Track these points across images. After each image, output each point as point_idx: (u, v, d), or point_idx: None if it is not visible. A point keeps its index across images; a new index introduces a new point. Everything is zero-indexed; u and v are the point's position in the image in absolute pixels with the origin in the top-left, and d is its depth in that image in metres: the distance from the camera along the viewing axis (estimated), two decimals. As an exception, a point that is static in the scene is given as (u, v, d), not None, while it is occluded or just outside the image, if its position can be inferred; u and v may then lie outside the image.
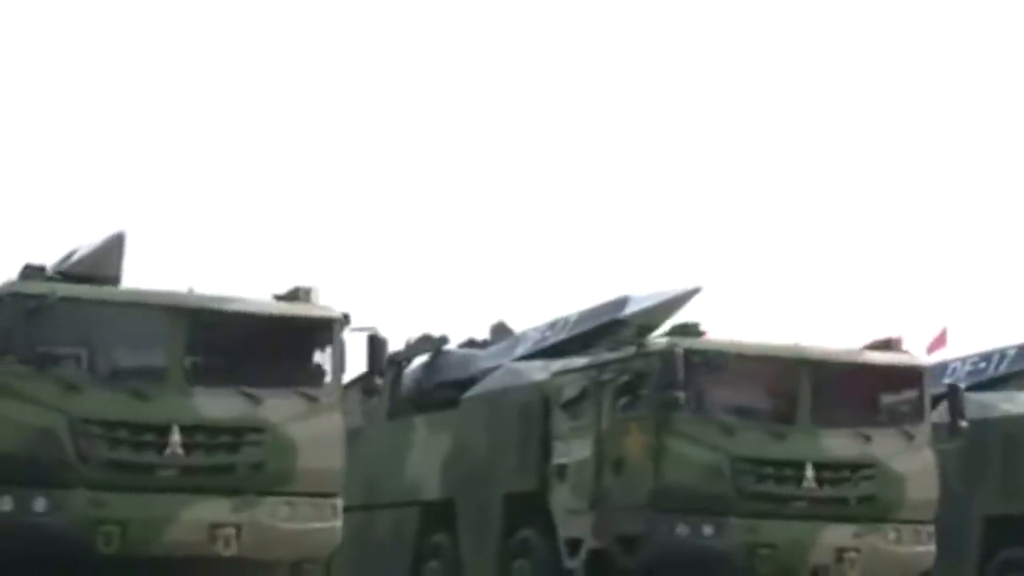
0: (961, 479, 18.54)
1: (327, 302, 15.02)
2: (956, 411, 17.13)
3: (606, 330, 19.43)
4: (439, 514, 19.64)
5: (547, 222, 46.66)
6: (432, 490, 19.84)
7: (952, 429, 17.12)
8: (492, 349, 21.39)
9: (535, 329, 20.57)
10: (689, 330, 16.51)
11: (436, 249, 42.01)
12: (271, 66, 49.17)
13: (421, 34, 47.52)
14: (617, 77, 47.46)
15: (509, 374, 19.10)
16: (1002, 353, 21.96)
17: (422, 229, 43.23)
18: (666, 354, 15.79)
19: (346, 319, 14.96)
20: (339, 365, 15.06)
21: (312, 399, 14.65)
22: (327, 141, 49.52)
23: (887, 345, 17.07)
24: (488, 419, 18.86)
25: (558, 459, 17.45)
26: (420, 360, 22.37)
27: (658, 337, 16.90)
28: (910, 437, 16.81)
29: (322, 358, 15.07)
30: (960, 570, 18.85)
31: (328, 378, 15.02)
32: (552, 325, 20.22)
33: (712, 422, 16.20)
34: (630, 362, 16.79)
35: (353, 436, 20.91)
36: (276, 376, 14.88)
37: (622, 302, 19.08)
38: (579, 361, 17.96)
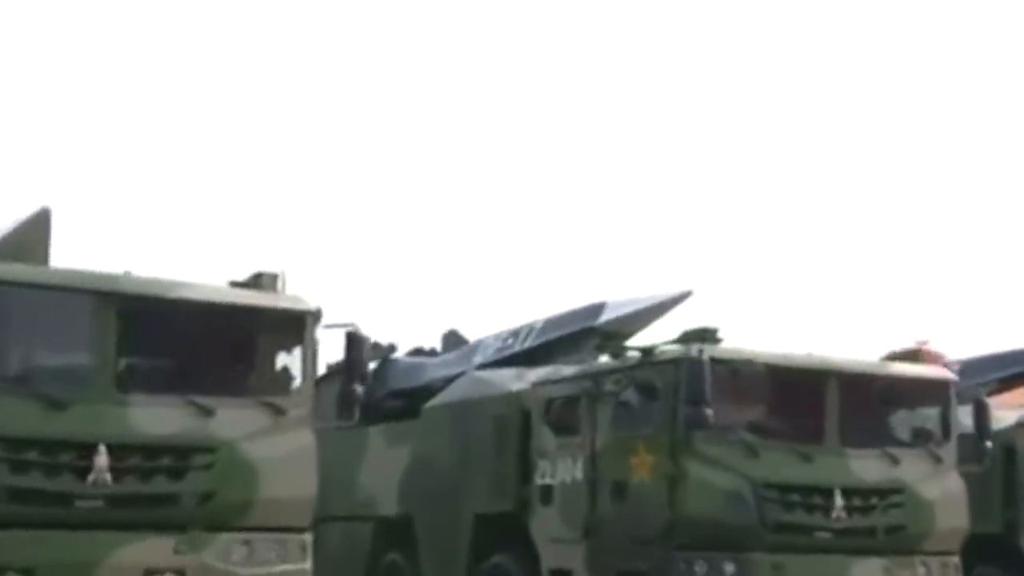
0: None
1: (297, 292, 9.74)
2: (982, 429, 12.24)
3: (578, 338, 14.41)
4: (395, 531, 14.38)
5: (516, 228, 40.91)
6: (388, 505, 14.51)
7: (977, 451, 12.22)
8: (446, 357, 16.25)
9: (495, 337, 15.41)
10: (707, 336, 11.34)
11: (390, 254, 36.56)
12: (233, 48, 42.75)
13: (386, 32, 41.35)
14: (598, 79, 41.97)
15: (477, 383, 13.88)
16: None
17: (374, 234, 37.77)
18: (693, 363, 10.67)
19: (319, 312, 9.71)
20: (311, 369, 9.81)
21: (277, 411, 9.41)
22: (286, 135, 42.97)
23: (913, 356, 12.15)
24: (455, 431, 13.63)
25: (541, 479, 12.32)
26: (368, 368, 17.16)
27: (668, 344, 11.70)
28: (937, 459, 11.89)
29: (290, 360, 9.81)
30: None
31: (297, 384, 9.74)
32: (515, 333, 15.08)
33: (735, 442, 11.10)
34: (634, 372, 11.62)
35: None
36: (233, 382, 9.71)
37: (597, 308, 14.02)
38: (566, 369, 12.77)
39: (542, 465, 12.30)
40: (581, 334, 14.31)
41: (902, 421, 12.06)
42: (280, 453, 9.21)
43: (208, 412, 8.96)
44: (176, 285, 9.14)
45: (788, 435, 11.42)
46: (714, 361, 10.88)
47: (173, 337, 9.29)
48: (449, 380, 15.35)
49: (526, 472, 12.49)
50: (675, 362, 11.05)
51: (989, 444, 12.25)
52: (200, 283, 9.22)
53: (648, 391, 11.32)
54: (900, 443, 11.92)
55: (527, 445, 12.54)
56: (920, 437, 12.04)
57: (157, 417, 8.82)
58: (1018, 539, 14.64)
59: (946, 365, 16.14)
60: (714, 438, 10.90)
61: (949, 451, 12.00)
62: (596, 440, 11.65)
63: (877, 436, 11.77)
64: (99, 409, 8.68)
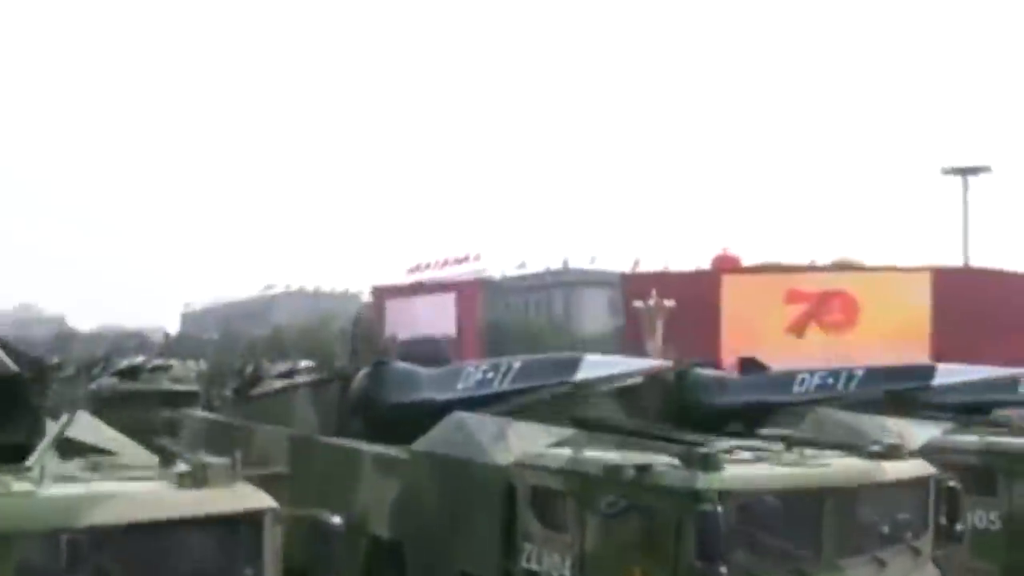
0: None
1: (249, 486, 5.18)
2: (955, 514, 8.14)
3: (551, 388, 10.15)
4: (388, 549, 10.00)
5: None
6: (380, 527, 10.20)
7: (949, 534, 8.12)
8: (433, 374, 11.74)
9: (475, 367, 11.07)
10: (710, 464, 6.95)
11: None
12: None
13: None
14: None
15: (460, 432, 9.47)
16: (849, 373, 12.97)
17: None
18: (707, 517, 6.40)
19: (279, 510, 5.23)
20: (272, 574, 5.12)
21: None
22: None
23: (895, 451, 7.92)
24: (441, 485, 9.32)
25: (527, 563, 8.07)
26: (364, 371, 12.72)
27: (662, 462, 7.26)
28: (917, 553, 7.81)
29: (246, 568, 5.15)
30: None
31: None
32: (495, 367, 10.76)
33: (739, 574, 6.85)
34: (627, 488, 7.22)
35: (305, 444, 11.60)
36: None
37: (573, 363, 9.78)
38: (551, 455, 8.29)
39: (528, 548, 8.04)
40: (555, 385, 10.09)
41: (888, 519, 7.83)
42: None
43: None
44: (88, 503, 4.62)
45: (788, 555, 7.22)
46: (725, 494, 6.64)
47: (88, 570, 4.83)
48: (437, 407, 11.07)
49: (511, 546, 8.27)
50: (677, 494, 6.78)
51: (960, 527, 8.17)
52: (120, 494, 4.74)
53: (646, 512, 7.04)
54: (883, 538, 7.78)
55: (512, 522, 8.29)
56: (902, 531, 7.87)
57: None
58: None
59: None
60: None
61: (926, 541, 7.93)
62: (586, 545, 7.42)
63: (865, 538, 7.61)
64: None
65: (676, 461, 7.06)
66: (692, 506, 6.60)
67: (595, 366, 9.40)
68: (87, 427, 7.79)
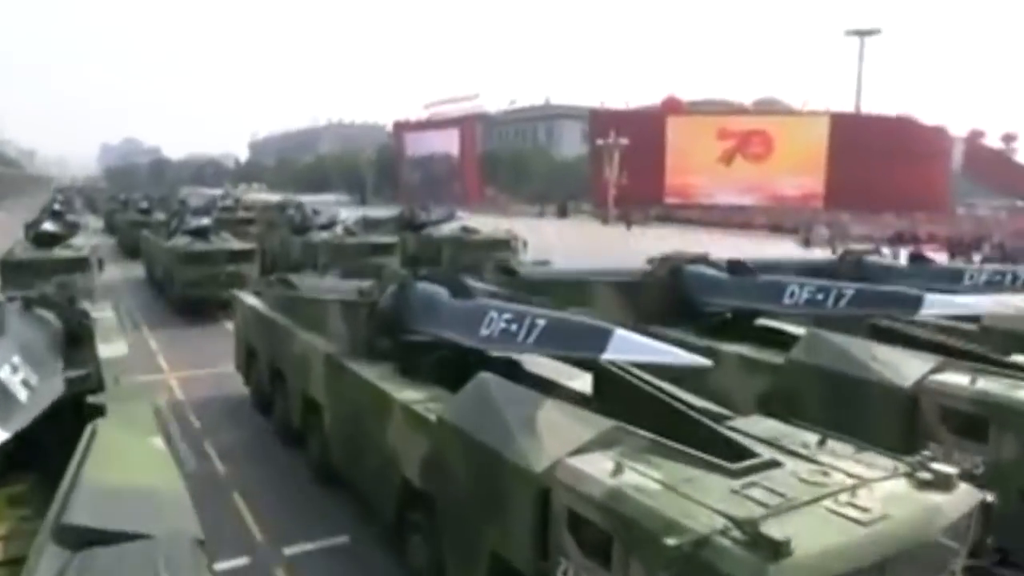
0: None
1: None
2: (986, 529, 5.94)
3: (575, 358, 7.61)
4: (419, 495, 7.86)
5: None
6: (412, 474, 7.98)
7: (979, 548, 5.97)
8: (455, 308, 9.07)
9: (498, 312, 8.20)
10: (781, 551, 4.61)
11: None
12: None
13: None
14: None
15: (490, 410, 6.90)
16: (839, 291, 10.46)
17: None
18: None
19: None
20: None
21: None
22: None
23: (947, 481, 5.59)
24: (470, 465, 6.93)
25: (563, 575, 5.86)
26: (390, 291, 10.12)
27: (719, 530, 4.91)
28: (952, 574, 5.66)
29: None
30: None
31: None
32: (519, 317, 7.87)
33: None
34: (678, 562, 4.82)
35: (338, 369, 9.38)
36: None
37: (604, 336, 7.02)
38: (590, 479, 5.77)
39: (564, 563, 5.88)
40: (581, 357, 7.52)
41: (933, 552, 5.61)
42: None
43: None
44: None
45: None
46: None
47: None
48: (459, 348, 8.61)
49: (544, 550, 6.12)
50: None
51: (990, 541, 6.02)
52: None
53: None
54: (930, 570, 5.63)
55: (547, 527, 6.08)
56: (943, 558, 5.69)
57: None
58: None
59: None
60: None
61: (961, 559, 5.81)
62: (629, 591, 5.25)
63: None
64: None
65: (737, 533, 4.71)
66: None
67: (624, 347, 6.78)
68: (109, 453, 5.36)
